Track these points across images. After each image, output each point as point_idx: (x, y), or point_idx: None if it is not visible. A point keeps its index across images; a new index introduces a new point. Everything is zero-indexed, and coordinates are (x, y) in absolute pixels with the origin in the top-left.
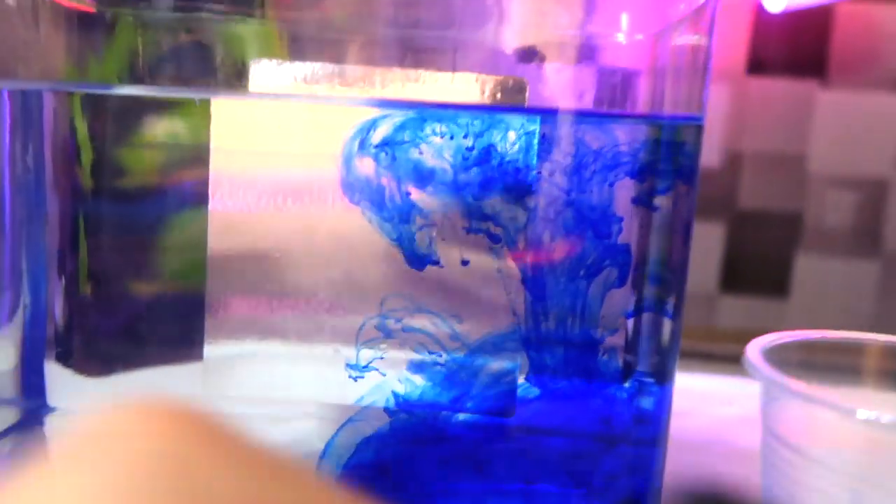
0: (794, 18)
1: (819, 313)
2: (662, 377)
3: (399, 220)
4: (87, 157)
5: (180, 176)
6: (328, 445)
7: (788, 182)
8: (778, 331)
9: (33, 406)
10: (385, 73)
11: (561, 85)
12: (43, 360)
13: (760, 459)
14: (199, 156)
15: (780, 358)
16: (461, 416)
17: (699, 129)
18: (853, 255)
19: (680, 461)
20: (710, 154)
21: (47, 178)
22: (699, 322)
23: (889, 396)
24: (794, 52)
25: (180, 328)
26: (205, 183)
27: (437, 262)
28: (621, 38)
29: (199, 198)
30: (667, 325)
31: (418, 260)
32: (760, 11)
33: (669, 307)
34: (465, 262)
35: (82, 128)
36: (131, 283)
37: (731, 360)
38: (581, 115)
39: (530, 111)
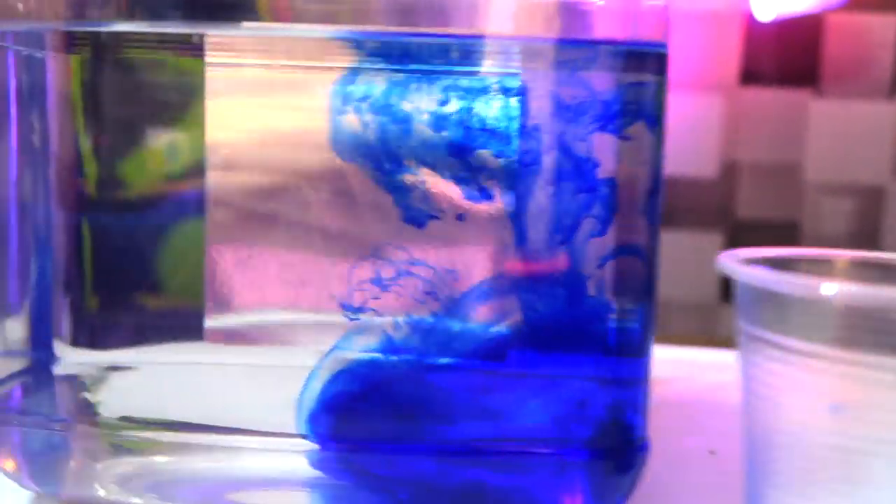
0: (785, 29)
1: None
2: (644, 319)
3: (392, 175)
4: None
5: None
6: (310, 376)
7: (785, 191)
8: None
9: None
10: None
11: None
12: (50, 331)
13: (739, 361)
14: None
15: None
16: (447, 360)
17: (664, 56)
18: None
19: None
20: (708, 165)
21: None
22: (699, 332)
23: None
24: (787, 62)
25: (182, 304)
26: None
27: (435, 216)
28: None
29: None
30: (641, 264)
31: (415, 216)
32: (752, 23)
33: (644, 246)
34: (460, 217)
35: (85, 143)
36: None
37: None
38: (562, 43)
39: (510, 39)
